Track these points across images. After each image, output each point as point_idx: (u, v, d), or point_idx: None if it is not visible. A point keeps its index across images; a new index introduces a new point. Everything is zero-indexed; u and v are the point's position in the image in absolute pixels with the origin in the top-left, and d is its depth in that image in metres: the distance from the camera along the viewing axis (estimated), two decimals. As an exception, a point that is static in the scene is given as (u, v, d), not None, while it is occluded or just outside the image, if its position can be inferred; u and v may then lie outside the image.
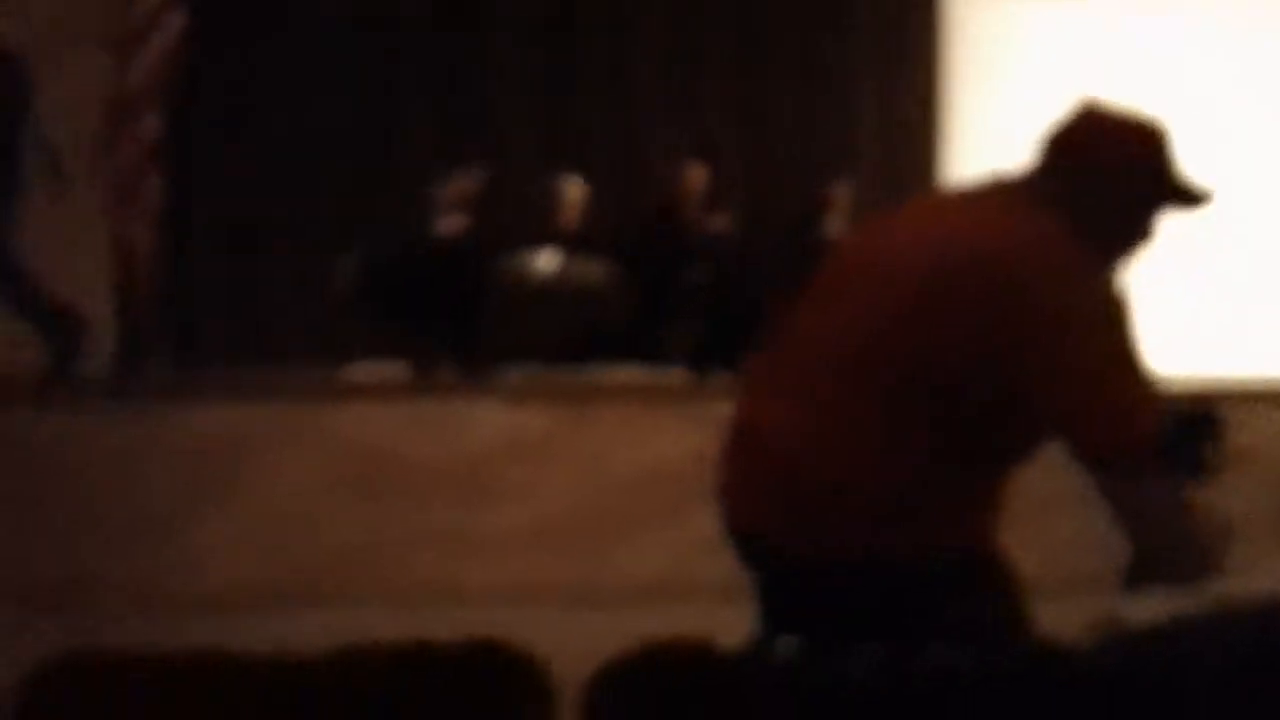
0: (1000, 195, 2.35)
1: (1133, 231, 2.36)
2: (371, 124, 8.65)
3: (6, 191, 6.24)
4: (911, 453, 2.18)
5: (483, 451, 6.38)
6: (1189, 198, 2.38)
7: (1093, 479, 2.32)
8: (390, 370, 7.27)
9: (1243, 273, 9.05)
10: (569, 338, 7.75)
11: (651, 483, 6.49)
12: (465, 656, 1.64)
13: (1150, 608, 2.15)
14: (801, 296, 2.46)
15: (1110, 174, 2.32)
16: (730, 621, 2.13)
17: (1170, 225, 2.43)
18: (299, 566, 6.05)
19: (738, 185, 8.81)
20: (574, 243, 7.78)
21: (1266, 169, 9.13)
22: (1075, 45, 9.09)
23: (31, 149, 6.28)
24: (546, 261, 7.70)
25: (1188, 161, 2.43)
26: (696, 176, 8.10)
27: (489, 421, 6.44)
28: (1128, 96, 2.58)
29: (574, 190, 7.93)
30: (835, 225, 8.11)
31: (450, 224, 7.42)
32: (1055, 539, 5.67)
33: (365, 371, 7.39)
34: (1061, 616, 2.12)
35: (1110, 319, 2.21)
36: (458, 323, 7.31)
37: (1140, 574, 2.40)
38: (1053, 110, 2.45)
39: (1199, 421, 2.15)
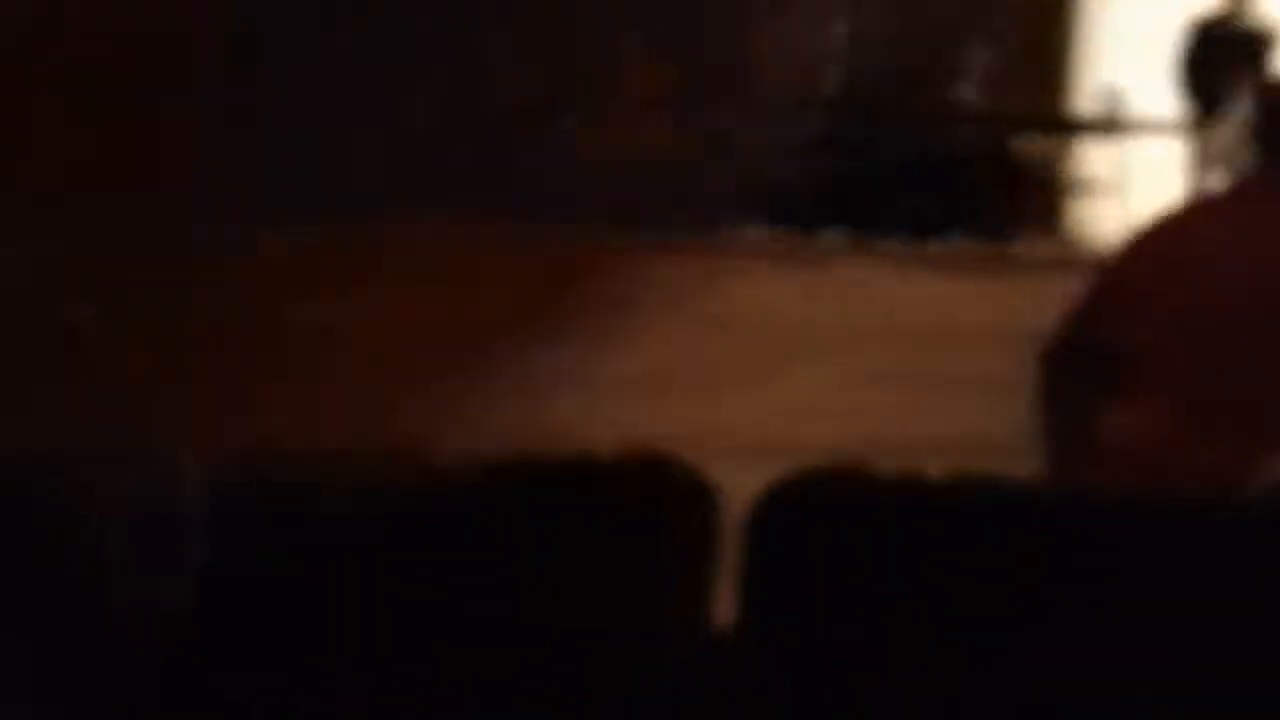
0: None
1: None
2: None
3: None
4: None
5: (602, 298, 6.43)
6: None
7: None
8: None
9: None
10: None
11: (759, 338, 6.51)
12: (630, 470, 1.62)
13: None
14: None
15: None
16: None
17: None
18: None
19: (880, 48, 8.65)
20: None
21: None
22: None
23: None
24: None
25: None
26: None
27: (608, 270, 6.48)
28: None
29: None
30: (969, 88, 7.94)
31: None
32: None
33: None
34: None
35: None
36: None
37: None
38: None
39: None
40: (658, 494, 1.60)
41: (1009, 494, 1.55)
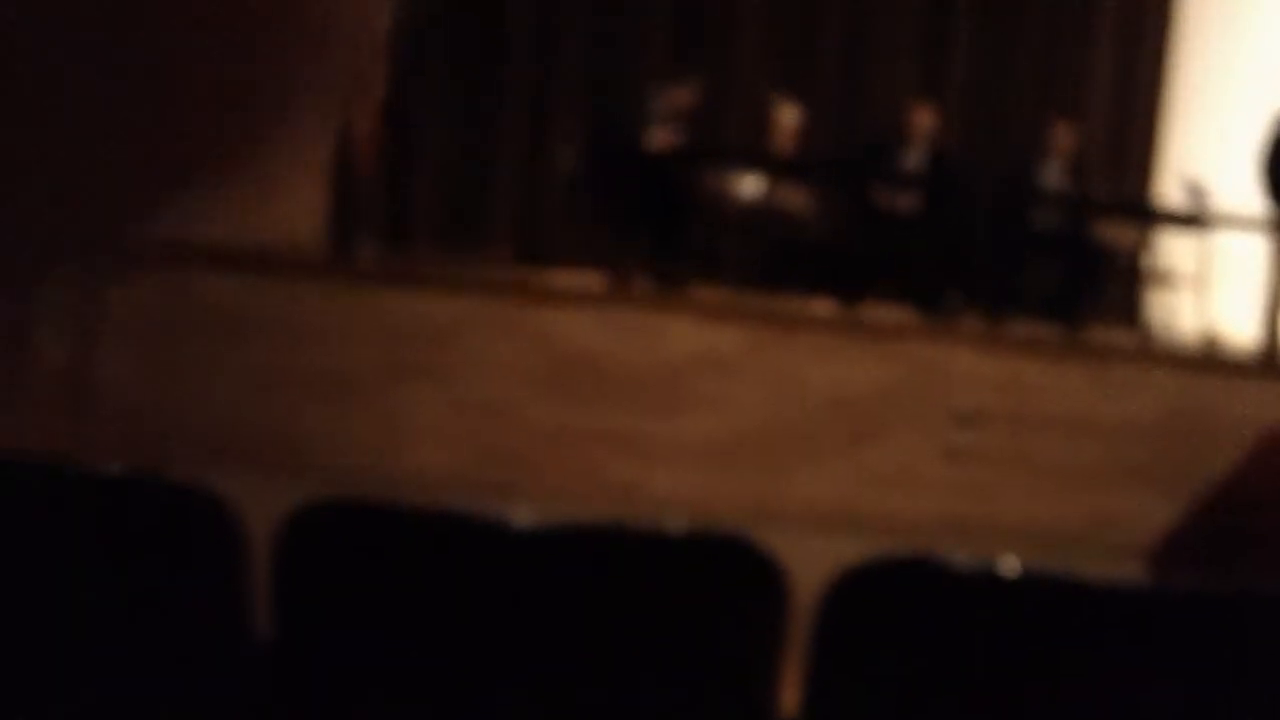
0: None
1: None
2: (605, 25, 8.68)
3: None
4: None
5: (674, 363, 6.48)
6: None
7: None
8: (590, 277, 7.41)
9: None
10: (766, 261, 7.77)
11: (835, 411, 6.53)
12: (703, 547, 1.62)
13: None
14: None
15: None
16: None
17: None
18: (491, 456, 6.26)
19: (964, 126, 8.69)
20: (784, 167, 7.76)
21: None
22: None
23: None
24: (754, 185, 7.71)
25: None
26: (924, 117, 7.99)
27: (682, 335, 6.54)
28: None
29: (791, 114, 7.89)
30: (1055, 171, 7.94)
31: (663, 136, 7.46)
32: None
33: (565, 276, 7.53)
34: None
35: None
36: (659, 234, 7.38)
37: None
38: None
39: None
40: (729, 573, 1.59)
41: (1081, 591, 1.54)
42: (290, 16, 6.99)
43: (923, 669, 1.54)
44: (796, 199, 7.69)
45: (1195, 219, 7.47)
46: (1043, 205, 7.90)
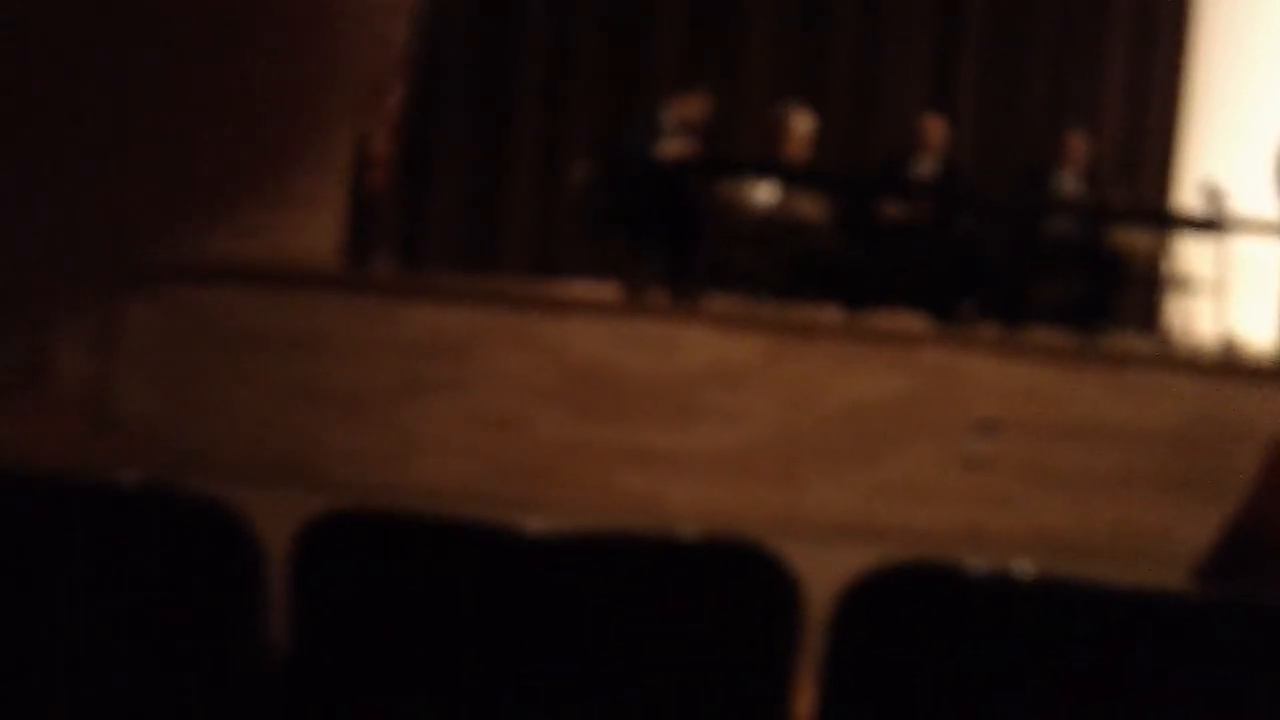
0: None
1: None
2: (618, 37, 8.70)
3: None
4: None
5: (689, 374, 6.48)
6: None
7: None
8: (603, 288, 7.41)
9: None
10: (780, 271, 7.76)
11: (851, 422, 6.51)
12: (715, 554, 1.61)
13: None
14: None
15: None
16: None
17: None
18: (506, 469, 6.26)
19: (978, 135, 8.69)
20: (798, 176, 7.76)
21: None
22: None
23: None
24: (766, 193, 7.71)
25: None
26: (936, 128, 7.98)
27: (697, 346, 6.53)
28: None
29: (804, 122, 7.89)
30: (1070, 179, 7.92)
31: (675, 146, 7.47)
32: None
33: (580, 288, 7.54)
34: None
35: None
36: (672, 245, 7.38)
37: None
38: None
39: None
40: (743, 581, 1.59)
41: (1098, 598, 1.53)
42: (309, 34, 7.02)
43: (938, 677, 1.52)
44: (811, 208, 7.68)
45: (1213, 224, 7.44)
46: (1058, 213, 7.88)
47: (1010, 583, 1.49)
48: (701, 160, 7.53)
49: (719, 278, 7.44)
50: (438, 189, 8.51)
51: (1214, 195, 7.54)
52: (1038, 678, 1.52)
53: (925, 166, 7.95)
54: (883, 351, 6.63)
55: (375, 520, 1.81)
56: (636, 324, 6.61)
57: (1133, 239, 7.78)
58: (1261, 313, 7.56)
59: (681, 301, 6.99)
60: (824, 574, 1.76)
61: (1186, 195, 8.52)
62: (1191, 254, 7.81)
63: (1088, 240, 7.71)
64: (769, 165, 7.83)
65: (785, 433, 6.47)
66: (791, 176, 7.74)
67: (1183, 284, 7.84)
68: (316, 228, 7.03)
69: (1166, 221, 8.22)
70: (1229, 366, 6.89)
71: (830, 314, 7.09)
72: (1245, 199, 7.51)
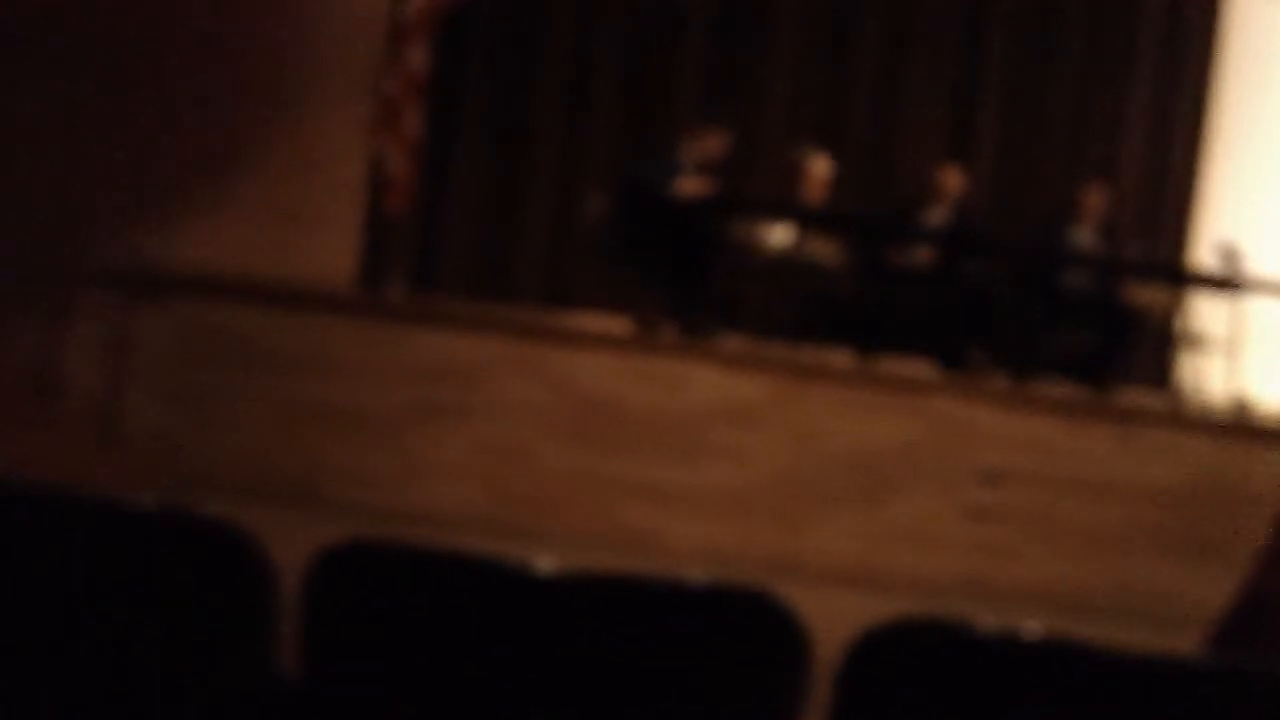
0: None
1: None
2: (637, 72, 8.73)
3: None
4: None
5: (696, 412, 6.47)
6: None
7: None
8: (614, 322, 7.41)
9: None
10: (791, 312, 7.76)
11: (855, 466, 6.50)
12: (722, 601, 1.61)
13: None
14: None
15: None
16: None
17: None
18: (509, 497, 6.25)
19: (994, 185, 8.70)
20: (814, 217, 7.77)
21: None
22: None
23: None
24: (781, 234, 7.72)
25: None
26: (953, 178, 7.99)
27: (705, 384, 6.53)
28: None
29: (821, 165, 7.91)
30: (1086, 232, 7.92)
31: (692, 183, 7.48)
32: None
33: (591, 320, 7.54)
34: None
35: None
36: (685, 281, 7.38)
37: None
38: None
39: None
40: (750, 628, 1.59)
41: (1107, 660, 1.52)
42: (327, 57, 7.05)
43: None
44: (825, 250, 7.69)
45: (1228, 283, 7.44)
46: (1073, 266, 7.88)
47: (1019, 643, 1.48)
48: (718, 198, 7.54)
49: (731, 316, 7.44)
50: (453, 215, 8.53)
51: (1230, 255, 7.54)
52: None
53: (938, 215, 7.96)
54: (891, 397, 6.62)
55: (388, 551, 1.81)
56: (646, 359, 6.61)
57: (1147, 294, 7.78)
58: (1274, 373, 7.54)
59: (692, 338, 6.99)
60: (824, 618, 1.75)
61: (1203, 254, 8.52)
62: (1206, 312, 7.81)
63: (1102, 294, 7.70)
64: (785, 206, 7.84)
65: (789, 474, 6.45)
66: (806, 218, 7.75)
67: (1196, 342, 7.83)
68: (333, 249, 7.04)
69: (1182, 278, 8.21)
70: (1240, 427, 6.87)
71: (840, 357, 7.08)
72: (1261, 259, 7.51)
